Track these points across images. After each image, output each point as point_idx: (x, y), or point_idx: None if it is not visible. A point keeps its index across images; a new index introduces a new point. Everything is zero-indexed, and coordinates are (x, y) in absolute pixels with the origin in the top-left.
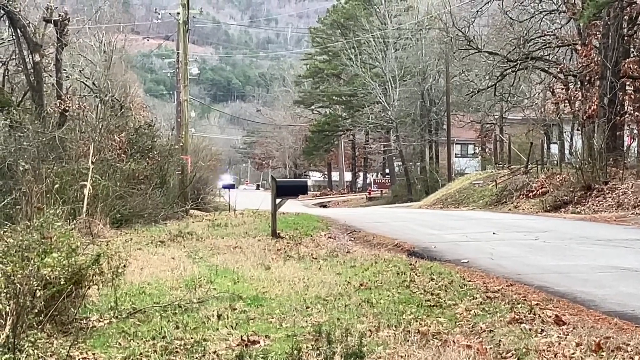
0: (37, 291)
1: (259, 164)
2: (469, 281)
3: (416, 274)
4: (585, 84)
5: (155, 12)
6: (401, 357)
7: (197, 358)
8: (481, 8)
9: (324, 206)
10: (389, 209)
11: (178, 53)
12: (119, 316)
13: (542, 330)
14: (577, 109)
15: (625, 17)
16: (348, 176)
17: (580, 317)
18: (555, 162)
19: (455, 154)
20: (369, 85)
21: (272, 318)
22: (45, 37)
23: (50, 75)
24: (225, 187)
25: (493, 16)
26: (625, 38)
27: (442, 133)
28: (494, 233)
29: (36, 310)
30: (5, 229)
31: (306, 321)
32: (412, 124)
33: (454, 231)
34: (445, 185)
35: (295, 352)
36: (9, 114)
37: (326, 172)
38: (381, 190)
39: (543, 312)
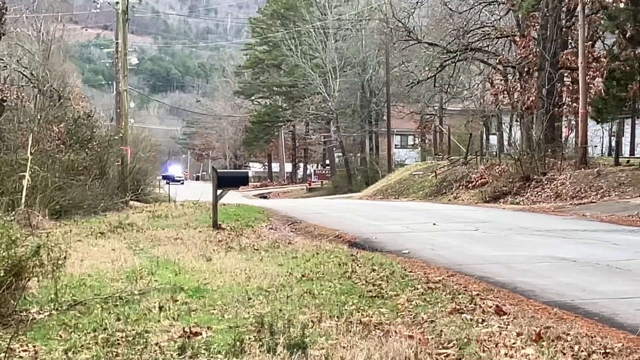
0: None
1: (199, 155)
2: (410, 272)
3: (358, 265)
4: (524, 75)
5: (93, 2)
6: (343, 347)
7: (139, 350)
8: None
9: (265, 197)
10: (330, 200)
11: (117, 43)
12: (60, 308)
13: (483, 320)
14: (515, 100)
15: (563, 8)
16: (288, 167)
17: (520, 307)
18: (495, 153)
19: (395, 145)
20: (309, 76)
21: (214, 309)
22: None
23: None
24: (165, 177)
25: (433, 7)
26: (564, 30)
27: (382, 124)
28: (434, 224)
29: None
30: None
31: (248, 312)
32: (353, 115)
33: (395, 222)
34: (385, 176)
35: (238, 343)
36: None
37: (266, 163)
38: (321, 181)
39: (484, 303)
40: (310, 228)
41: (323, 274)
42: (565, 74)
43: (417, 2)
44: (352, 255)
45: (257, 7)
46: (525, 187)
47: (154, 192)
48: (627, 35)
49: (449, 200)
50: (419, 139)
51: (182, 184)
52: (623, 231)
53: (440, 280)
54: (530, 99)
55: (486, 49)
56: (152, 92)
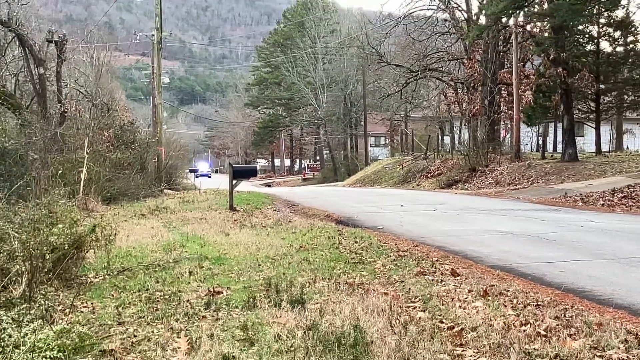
0: (47, 254)
1: (218, 153)
2: (384, 243)
3: (343, 238)
4: (471, 89)
5: (134, 34)
6: (333, 302)
7: (174, 305)
8: (390, 30)
9: (269, 186)
10: (320, 188)
11: (153, 66)
12: (111, 273)
13: (442, 280)
14: (464, 109)
15: (501, 37)
16: (287, 162)
17: (470, 270)
18: (448, 150)
19: (371, 144)
20: (303, 91)
21: (232, 274)
22: (48, 54)
23: (52, 84)
24: (192, 171)
25: (399, 37)
26: (501, 54)
27: (360, 128)
28: (402, 205)
29: (46, 270)
30: (19, 206)
31: (259, 276)
32: (337, 121)
33: (371, 204)
34: (363, 168)
35: (251, 299)
36: (20, 115)
37: (270, 159)
38: (313, 173)
39: (442, 266)
40: (306, 209)
41: (316, 245)
42: (503, 88)
43: (386, 33)
44: (338, 230)
45: (262, 37)
46: (472, 176)
47: (183, 183)
48: (550, 57)
49: (413, 187)
50: (389, 140)
51: (210, 177)
52: (549, 210)
53: (407, 250)
54: (476, 107)
55: (441, 69)
56: (181, 104)
